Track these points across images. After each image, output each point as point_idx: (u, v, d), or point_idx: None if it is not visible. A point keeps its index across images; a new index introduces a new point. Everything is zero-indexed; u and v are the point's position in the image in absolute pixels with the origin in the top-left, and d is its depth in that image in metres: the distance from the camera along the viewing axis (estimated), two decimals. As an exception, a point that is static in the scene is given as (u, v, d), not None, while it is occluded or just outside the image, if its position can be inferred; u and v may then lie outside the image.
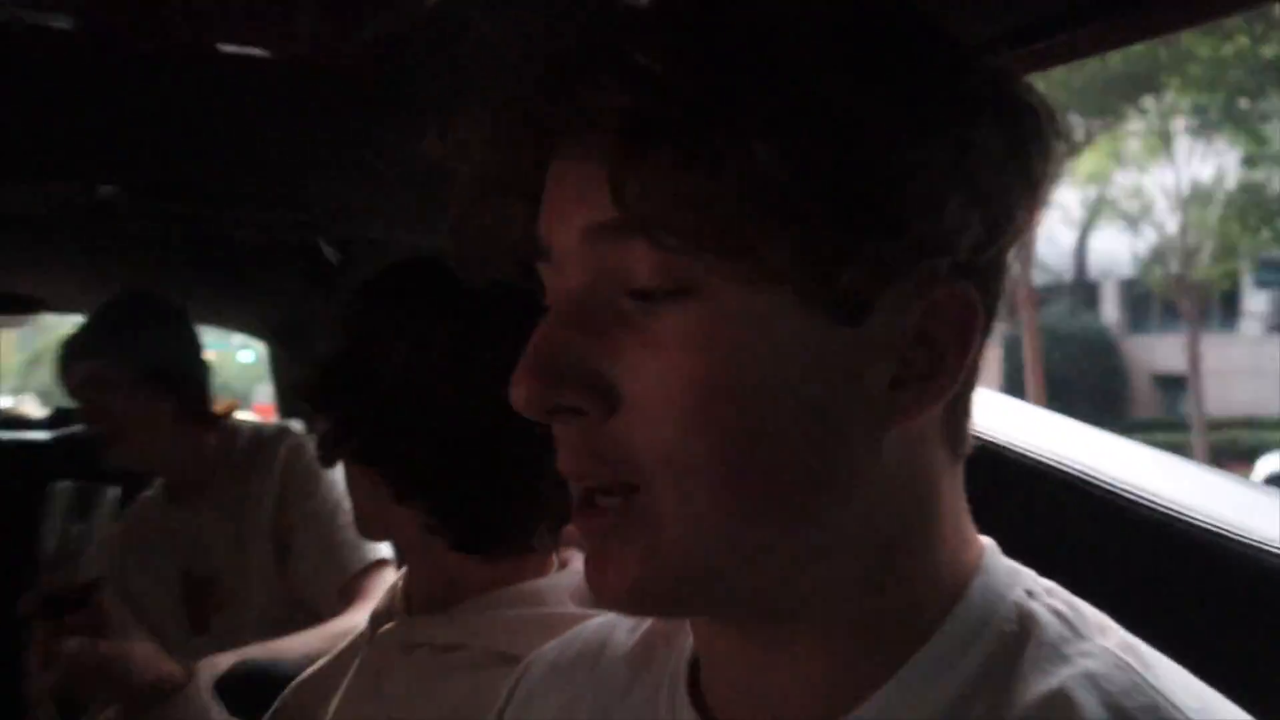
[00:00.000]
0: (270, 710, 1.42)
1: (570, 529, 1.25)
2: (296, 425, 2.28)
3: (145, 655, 1.49)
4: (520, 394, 0.59)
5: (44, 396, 3.52)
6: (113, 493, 1.49)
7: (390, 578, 1.90)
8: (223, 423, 2.24)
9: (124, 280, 3.04)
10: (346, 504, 1.96)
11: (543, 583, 1.21)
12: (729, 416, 0.56)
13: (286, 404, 2.64)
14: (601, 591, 0.61)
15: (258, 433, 2.25)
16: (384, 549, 2.06)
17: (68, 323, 3.24)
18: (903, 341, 0.57)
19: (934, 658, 0.60)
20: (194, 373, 2.21)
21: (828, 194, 0.53)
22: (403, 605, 1.29)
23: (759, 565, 0.59)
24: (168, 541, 2.22)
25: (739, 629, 0.64)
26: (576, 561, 1.25)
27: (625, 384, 0.58)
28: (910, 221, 0.55)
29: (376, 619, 1.32)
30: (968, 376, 0.60)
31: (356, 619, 1.83)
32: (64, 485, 1.46)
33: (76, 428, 3.15)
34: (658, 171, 0.54)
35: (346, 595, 1.99)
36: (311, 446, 2.06)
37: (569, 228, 0.60)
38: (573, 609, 1.16)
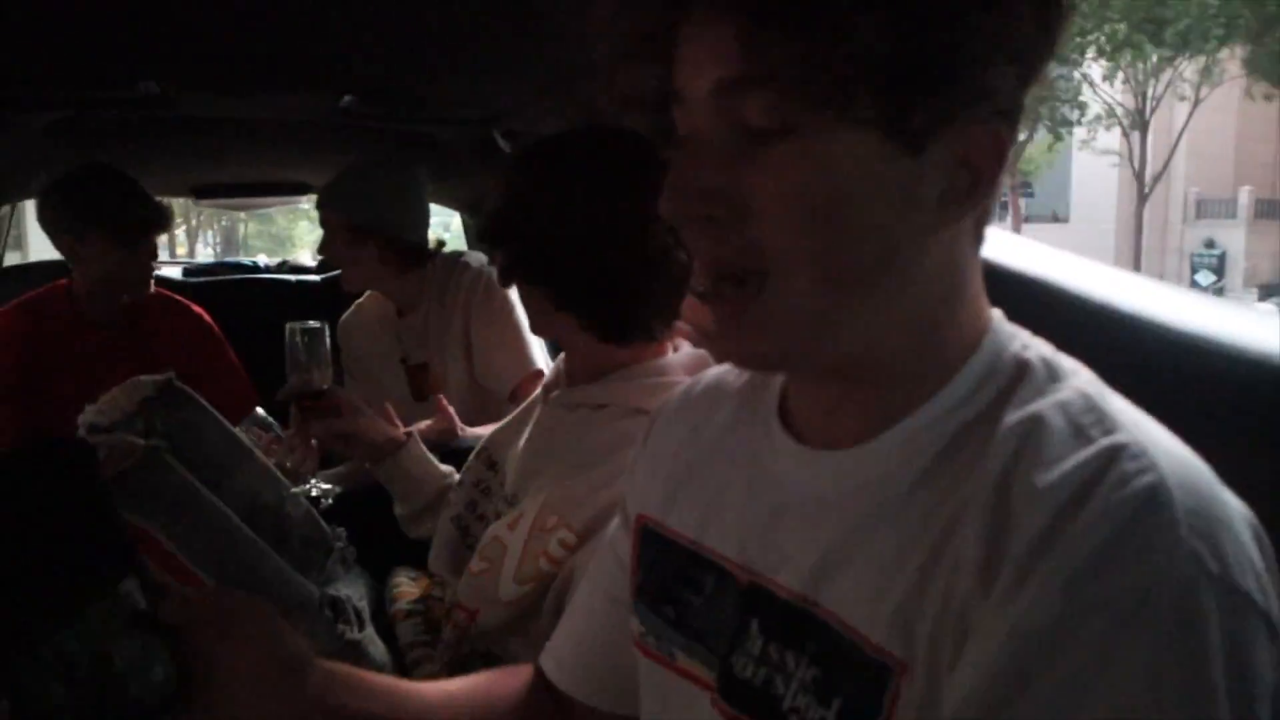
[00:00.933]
0: (472, 454, 1.51)
1: (680, 324, 1.31)
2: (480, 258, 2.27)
3: (371, 425, 1.57)
4: (667, 206, 0.61)
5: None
6: (324, 332, 1.57)
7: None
8: (430, 258, 2.22)
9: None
10: (517, 318, 2.06)
11: (663, 360, 1.26)
12: (824, 222, 0.58)
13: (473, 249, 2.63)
14: (727, 357, 0.65)
15: (453, 263, 2.24)
16: (540, 362, 2.10)
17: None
18: (951, 167, 0.58)
19: (953, 394, 0.62)
20: (396, 224, 2.15)
21: (911, 59, 0.54)
22: (565, 380, 1.37)
23: (842, 333, 0.61)
24: (394, 339, 2.28)
25: (820, 375, 0.67)
26: (685, 347, 1.31)
27: (747, 198, 0.59)
28: (966, 78, 0.56)
29: (547, 389, 1.40)
30: (994, 191, 0.61)
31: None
32: (293, 325, 1.55)
33: (336, 272, 3.26)
34: (781, 35, 0.55)
35: (515, 397, 2.01)
36: (491, 273, 2.14)
37: (701, 79, 0.60)
38: (685, 377, 1.22)
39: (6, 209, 3.16)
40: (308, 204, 3.33)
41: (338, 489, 1.58)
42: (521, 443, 1.37)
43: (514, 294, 2.07)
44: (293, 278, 3.13)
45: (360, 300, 2.40)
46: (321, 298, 3.00)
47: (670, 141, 0.65)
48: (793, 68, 0.55)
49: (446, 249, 2.30)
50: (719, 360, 0.68)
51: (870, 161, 0.57)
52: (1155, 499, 0.52)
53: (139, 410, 1.42)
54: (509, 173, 1.26)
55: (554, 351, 2.18)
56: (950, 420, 0.62)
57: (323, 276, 3.16)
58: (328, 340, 1.59)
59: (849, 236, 0.58)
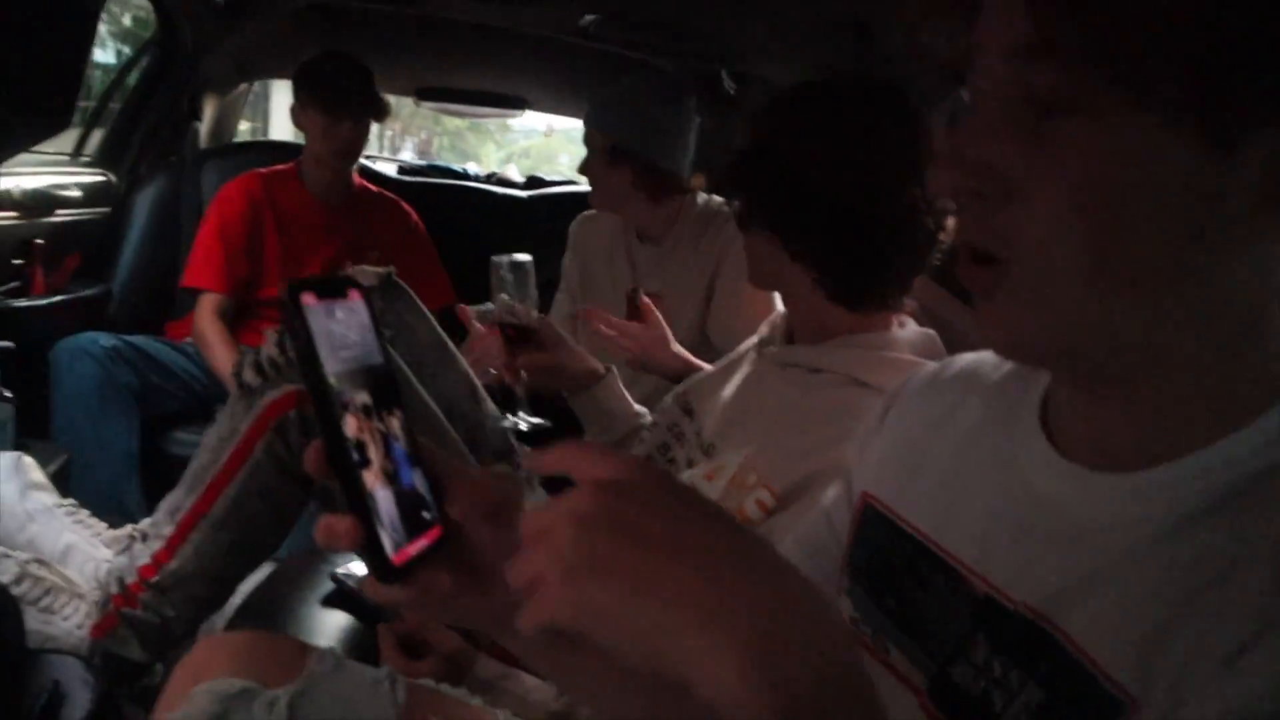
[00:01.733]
0: (671, 394, 1.49)
1: (909, 300, 1.26)
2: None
3: (574, 357, 1.56)
4: (937, 176, 0.58)
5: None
6: (530, 264, 1.56)
7: None
8: (685, 193, 2.15)
9: (587, 89, 3.10)
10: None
11: (889, 334, 1.21)
12: (1102, 214, 0.52)
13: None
14: (986, 337, 0.59)
15: (709, 205, 2.16)
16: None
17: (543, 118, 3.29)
18: (1273, 168, 0.50)
19: (1264, 429, 0.55)
20: (657, 151, 2.08)
21: (1229, 37, 0.48)
22: (783, 337, 1.33)
23: (1114, 335, 0.55)
24: (626, 264, 2.23)
25: (1088, 378, 0.60)
26: (911, 324, 1.25)
27: (1018, 177, 0.54)
28: None
29: (762, 343, 1.37)
30: None
31: None
32: (499, 258, 1.54)
33: (544, 190, 3.30)
34: (1076, 4, 0.50)
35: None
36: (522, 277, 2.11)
37: (993, 45, 0.56)
38: (910, 356, 1.17)
39: (246, 87, 3.32)
40: (495, 126, 3.34)
41: (547, 424, 1.59)
42: (726, 393, 1.35)
43: None
44: (499, 190, 3.17)
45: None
46: (525, 214, 3.04)
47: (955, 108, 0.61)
48: (1080, 39, 0.50)
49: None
50: (986, 345, 0.62)
51: (1167, 154, 0.51)
52: None
53: (359, 298, 1.46)
54: (763, 115, 1.22)
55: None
56: (1255, 459, 0.54)
57: (529, 194, 3.18)
58: (534, 274, 1.59)
59: (1125, 233, 0.52)
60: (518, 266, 1.54)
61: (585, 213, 2.35)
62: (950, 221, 1.16)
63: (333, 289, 0.59)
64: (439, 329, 1.55)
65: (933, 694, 0.65)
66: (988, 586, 0.64)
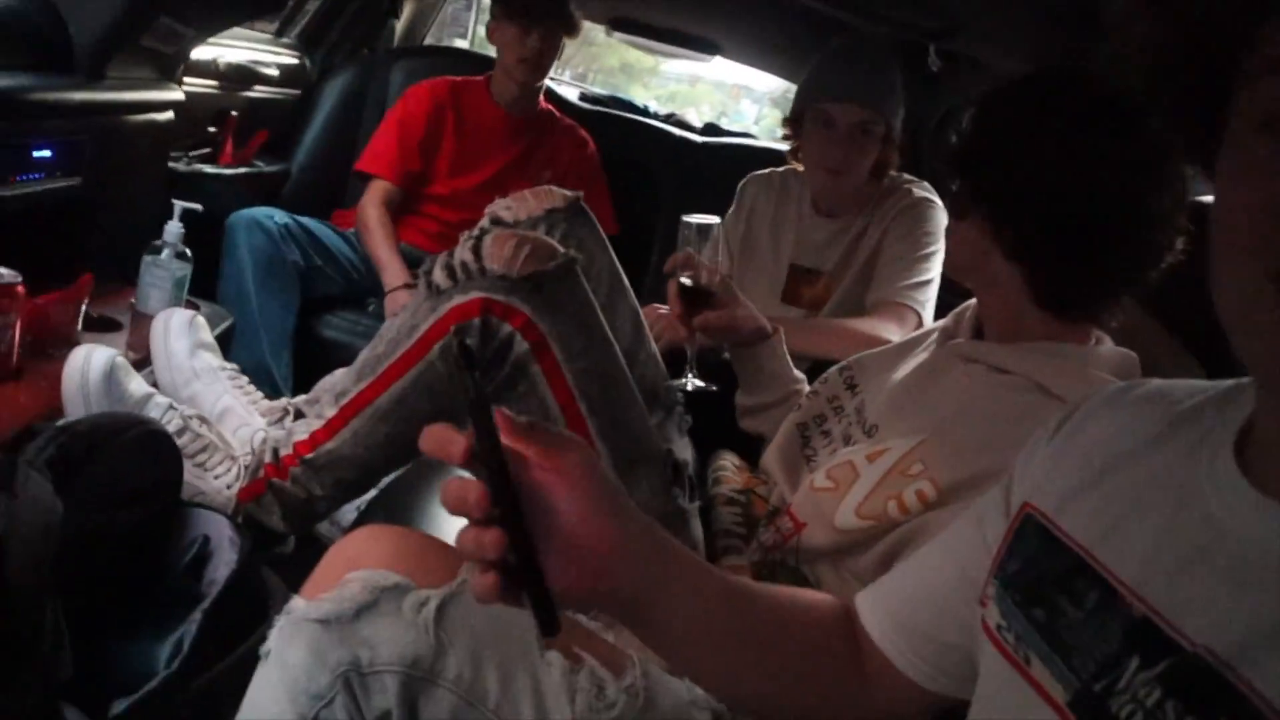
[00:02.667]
0: (837, 367, 1.46)
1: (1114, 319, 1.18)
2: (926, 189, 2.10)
3: (746, 315, 1.53)
4: None
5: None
6: (718, 226, 1.53)
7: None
8: (887, 170, 2.08)
9: (779, 41, 3.02)
10: (928, 256, 1.95)
11: (1085, 348, 1.15)
12: None
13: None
14: None
15: (893, 182, 2.08)
16: (925, 310, 1.94)
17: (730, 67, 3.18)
18: None
19: None
20: (897, 126, 2.03)
21: None
22: (970, 331, 1.27)
23: None
24: (794, 234, 2.14)
25: None
26: (1109, 343, 1.18)
27: None
28: None
29: (947, 334, 1.31)
30: None
31: (871, 328, 1.82)
32: (689, 219, 1.51)
33: (721, 140, 3.25)
34: None
35: (878, 311, 1.92)
36: (919, 202, 2.02)
37: None
38: (1105, 374, 1.11)
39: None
40: (646, 69, 3.28)
41: (712, 387, 1.57)
42: (897, 376, 1.30)
43: (939, 229, 1.95)
44: (677, 131, 3.13)
45: (779, 170, 2.26)
46: (699, 160, 3.01)
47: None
48: None
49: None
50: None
51: None
52: None
53: (544, 217, 1.46)
54: (997, 102, 1.16)
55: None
56: None
57: (704, 140, 3.14)
58: (721, 235, 1.55)
59: None
60: (705, 229, 1.52)
61: (756, 173, 2.29)
62: (1179, 242, 1.08)
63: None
64: (615, 260, 1.54)
65: (1079, 714, 0.60)
66: (1147, 610, 0.60)
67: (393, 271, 2.44)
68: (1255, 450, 0.61)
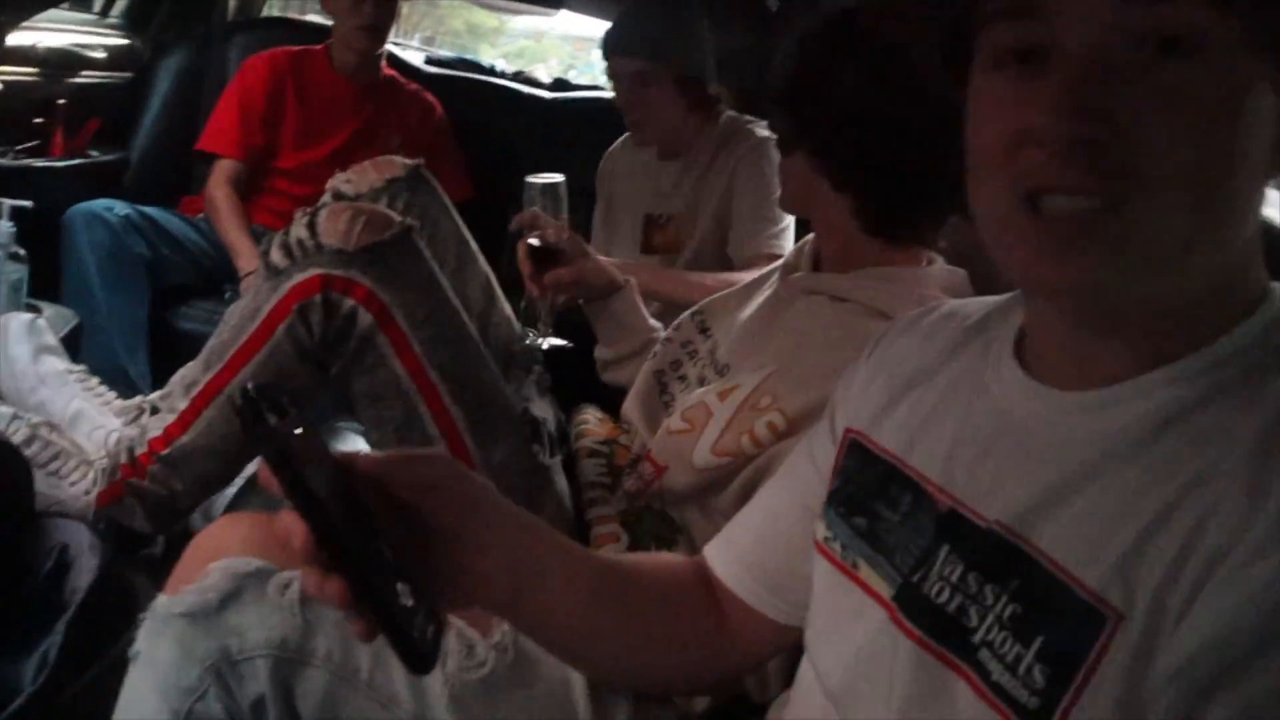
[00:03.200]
0: (689, 312, 1.48)
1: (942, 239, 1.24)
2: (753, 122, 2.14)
3: (595, 269, 1.55)
4: (1045, 125, 0.56)
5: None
6: (563, 185, 1.54)
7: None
8: (713, 107, 2.14)
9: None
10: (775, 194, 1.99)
11: (919, 270, 1.20)
12: (1211, 149, 0.54)
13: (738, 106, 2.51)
14: (1051, 281, 0.58)
15: (733, 122, 2.14)
16: (786, 245, 1.99)
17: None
18: None
19: (1234, 341, 0.58)
20: (704, 70, 2.10)
21: None
22: (809, 264, 1.31)
23: (1194, 266, 0.57)
24: (646, 183, 2.21)
25: (1110, 316, 0.61)
26: (940, 262, 1.24)
27: (1128, 119, 0.54)
28: None
29: (787, 269, 1.35)
30: None
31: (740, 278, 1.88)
32: (533, 179, 1.52)
33: (570, 94, 3.23)
34: None
35: (753, 266, 1.91)
36: (762, 142, 2.04)
37: None
38: (936, 292, 1.16)
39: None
40: (491, 28, 3.23)
41: (568, 344, 1.59)
42: (744, 315, 1.34)
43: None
44: (526, 89, 3.10)
45: (626, 138, 2.31)
46: (550, 115, 2.99)
47: (1015, 56, 0.59)
48: None
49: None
50: (1035, 287, 0.61)
51: (1259, 90, 0.54)
52: None
53: (385, 187, 1.44)
54: (816, 38, 1.19)
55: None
56: (1224, 368, 0.58)
57: (552, 96, 3.12)
58: (566, 194, 1.58)
59: (1227, 167, 0.55)
60: (550, 188, 1.52)
61: (612, 147, 2.34)
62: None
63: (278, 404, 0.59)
64: (462, 225, 1.54)
65: (902, 606, 0.66)
66: (952, 502, 0.66)
67: (246, 255, 2.36)
68: (1029, 346, 0.68)
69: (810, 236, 1.34)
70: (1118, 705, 0.53)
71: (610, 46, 2.08)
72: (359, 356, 1.27)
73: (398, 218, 1.30)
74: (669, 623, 0.85)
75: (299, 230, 1.27)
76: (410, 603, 0.58)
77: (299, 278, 1.23)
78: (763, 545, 0.86)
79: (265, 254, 1.28)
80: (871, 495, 0.73)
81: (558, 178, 1.52)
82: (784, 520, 0.85)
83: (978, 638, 0.60)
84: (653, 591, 0.86)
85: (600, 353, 1.61)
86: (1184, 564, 0.52)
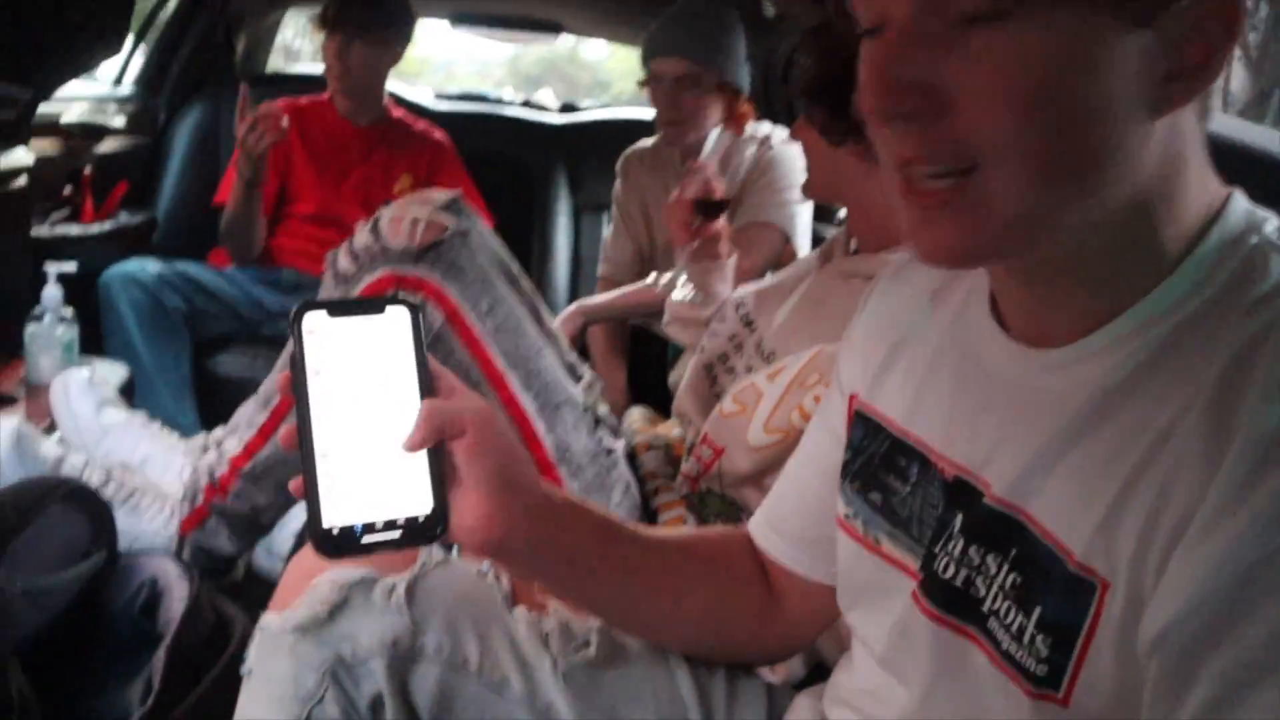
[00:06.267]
0: (732, 305, 1.49)
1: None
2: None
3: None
4: (868, 101, 0.56)
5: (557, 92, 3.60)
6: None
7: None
8: (744, 120, 2.16)
9: (617, 10, 3.03)
10: (783, 193, 2.03)
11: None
12: (1040, 111, 0.52)
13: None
14: (931, 252, 0.58)
15: (754, 133, 2.16)
16: (794, 218, 2.06)
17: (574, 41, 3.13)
18: (1181, 41, 0.53)
19: (1170, 291, 0.56)
20: (741, 80, 2.12)
21: None
22: (844, 249, 1.34)
23: (1059, 226, 0.56)
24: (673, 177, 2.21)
25: (1025, 273, 0.62)
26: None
27: (952, 89, 0.53)
28: None
29: (824, 256, 1.37)
30: (1224, 66, 0.54)
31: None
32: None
33: (578, 117, 3.27)
34: None
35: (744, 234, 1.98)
36: (774, 146, 2.10)
37: None
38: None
39: (278, 16, 3.29)
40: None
41: (696, 298, 1.64)
42: (786, 307, 1.36)
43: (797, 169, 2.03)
44: (534, 117, 3.15)
45: (650, 142, 2.35)
46: (562, 140, 3.02)
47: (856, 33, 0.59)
48: None
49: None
50: (920, 258, 0.60)
51: (1093, 40, 0.52)
52: None
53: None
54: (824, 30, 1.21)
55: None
56: (1167, 319, 0.56)
57: (564, 121, 3.17)
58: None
59: (1069, 124, 0.53)
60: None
61: (630, 150, 2.37)
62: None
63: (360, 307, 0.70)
64: (505, 253, 1.56)
65: (924, 586, 0.67)
66: (957, 470, 0.66)
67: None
68: (1000, 299, 0.67)
69: (843, 228, 1.36)
70: (1116, 672, 0.54)
71: (656, 48, 2.09)
72: (431, 352, 1.28)
73: (450, 219, 1.32)
74: (719, 594, 0.87)
75: (363, 237, 1.29)
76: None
77: (370, 279, 1.26)
78: (799, 516, 0.86)
79: (332, 263, 1.31)
80: (881, 467, 0.73)
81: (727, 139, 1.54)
82: (813, 490, 0.85)
83: (986, 606, 0.61)
84: (710, 563, 0.88)
85: (680, 309, 1.63)
86: (1155, 528, 0.52)
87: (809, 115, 1.25)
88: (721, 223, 1.58)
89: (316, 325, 0.67)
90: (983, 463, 0.64)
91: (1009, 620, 0.59)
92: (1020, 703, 0.58)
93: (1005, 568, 0.60)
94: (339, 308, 0.68)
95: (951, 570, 0.64)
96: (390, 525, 0.66)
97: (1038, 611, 0.57)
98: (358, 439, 0.67)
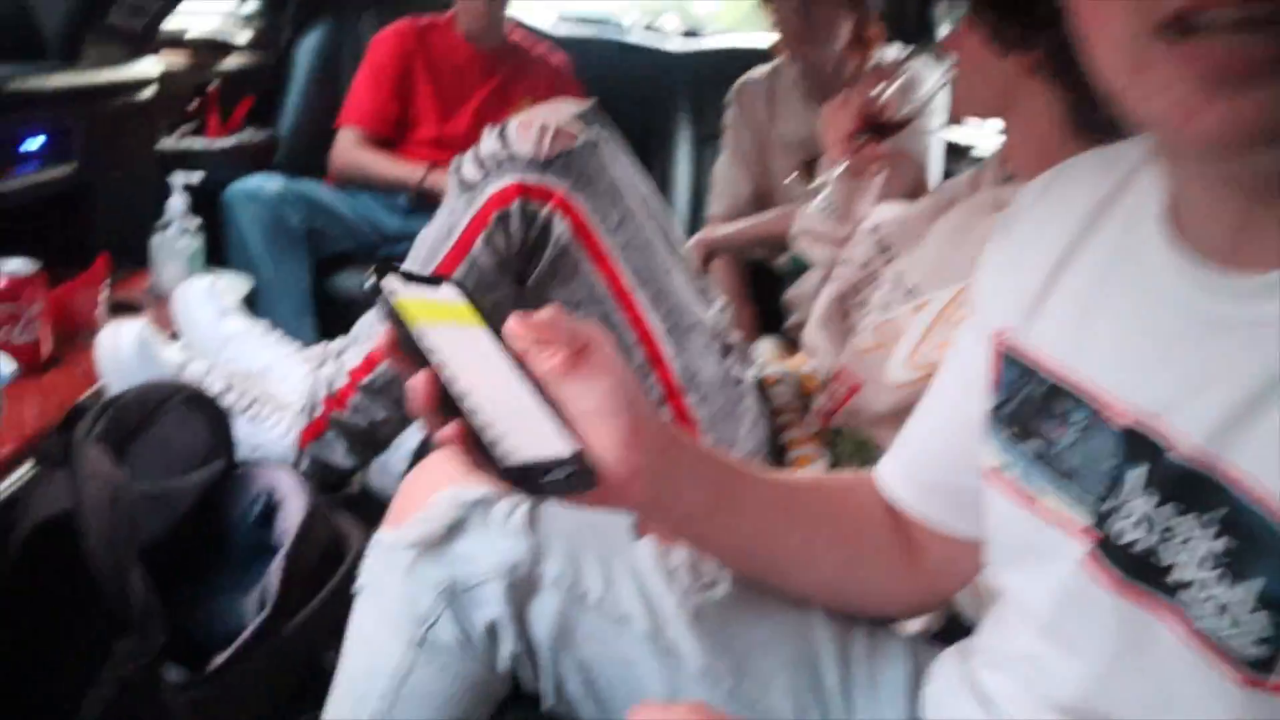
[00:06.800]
0: (867, 228, 1.40)
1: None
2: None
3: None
4: None
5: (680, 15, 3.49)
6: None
7: None
8: (870, 45, 2.07)
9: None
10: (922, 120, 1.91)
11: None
12: None
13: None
14: (1225, 129, 0.45)
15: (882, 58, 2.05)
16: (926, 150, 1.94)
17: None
18: None
19: None
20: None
21: None
22: (997, 176, 1.24)
23: None
24: (795, 132, 2.17)
25: (1260, 173, 0.49)
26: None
27: None
28: None
29: (971, 184, 1.28)
30: None
31: None
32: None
33: (700, 45, 3.16)
34: None
35: None
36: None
37: None
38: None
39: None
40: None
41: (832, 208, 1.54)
42: (932, 238, 1.27)
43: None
44: (655, 43, 3.07)
45: (764, 72, 2.25)
46: (681, 67, 2.94)
47: None
48: None
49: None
50: (1191, 141, 0.47)
51: None
52: None
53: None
54: None
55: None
56: None
57: (684, 48, 3.08)
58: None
59: None
60: (909, 82, 1.47)
61: (744, 78, 2.27)
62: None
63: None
64: (637, 165, 1.49)
65: (1100, 529, 0.58)
66: (1132, 415, 0.57)
67: (408, 171, 2.44)
68: (1185, 218, 0.56)
69: (994, 155, 1.26)
70: None
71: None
72: (556, 265, 1.24)
73: (584, 130, 1.26)
74: (850, 538, 0.80)
75: (490, 143, 1.24)
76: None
77: (495, 187, 1.21)
78: (934, 463, 0.78)
79: (457, 170, 1.26)
80: (1040, 414, 0.63)
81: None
82: (948, 436, 0.76)
83: (1174, 577, 0.53)
84: (840, 510, 0.81)
85: (814, 221, 1.54)
86: None
87: (974, 19, 1.13)
88: (886, 145, 1.47)
89: (396, 286, 0.63)
90: (1166, 409, 0.54)
91: (1213, 593, 0.51)
92: (1224, 690, 0.50)
93: (1211, 531, 0.51)
94: (408, 276, 0.65)
95: (1131, 533, 0.56)
96: (557, 464, 0.60)
97: (1258, 585, 0.49)
98: (483, 386, 0.61)
